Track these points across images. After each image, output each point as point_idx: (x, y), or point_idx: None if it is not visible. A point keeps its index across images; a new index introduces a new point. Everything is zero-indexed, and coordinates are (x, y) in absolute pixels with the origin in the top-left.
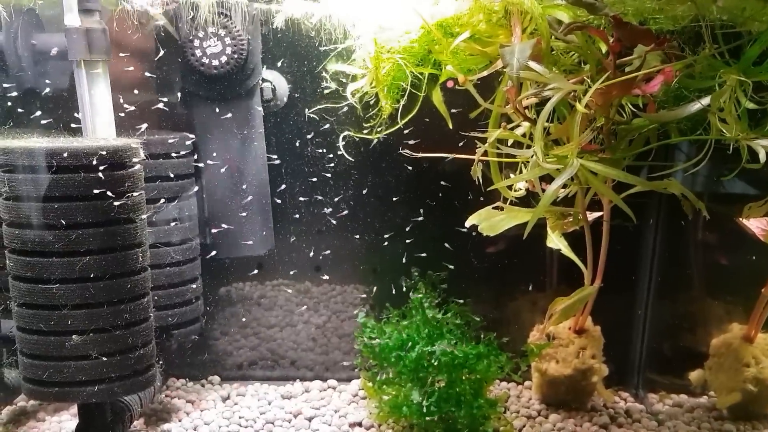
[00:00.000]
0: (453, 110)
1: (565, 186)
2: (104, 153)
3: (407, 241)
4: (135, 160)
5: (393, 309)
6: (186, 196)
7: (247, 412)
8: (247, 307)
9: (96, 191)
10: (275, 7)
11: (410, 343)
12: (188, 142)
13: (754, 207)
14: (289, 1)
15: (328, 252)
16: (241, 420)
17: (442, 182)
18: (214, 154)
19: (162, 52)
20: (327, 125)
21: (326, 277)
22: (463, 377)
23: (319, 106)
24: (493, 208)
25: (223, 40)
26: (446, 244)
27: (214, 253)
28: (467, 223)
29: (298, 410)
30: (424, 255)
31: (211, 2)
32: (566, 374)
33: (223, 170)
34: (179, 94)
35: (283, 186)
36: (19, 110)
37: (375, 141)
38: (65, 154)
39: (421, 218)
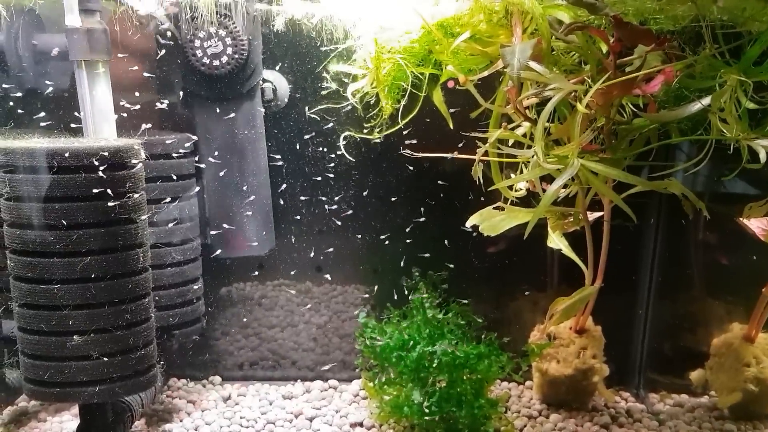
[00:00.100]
0: (452, 110)
1: (565, 186)
2: (105, 153)
3: (408, 241)
4: (136, 160)
5: (394, 309)
6: (187, 196)
7: (248, 413)
8: (248, 307)
9: (97, 191)
10: (276, 8)
11: (411, 343)
12: (188, 144)
13: (755, 207)
14: (289, 1)
15: (329, 252)
16: (242, 420)
17: (443, 182)
18: (215, 155)
19: (162, 53)
20: (328, 125)
21: (329, 276)
22: (464, 377)
23: (319, 107)
24: (494, 208)
25: (223, 41)
26: (447, 244)
27: (214, 253)
28: (468, 223)
29: (299, 410)
30: (424, 255)
31: (210, 3)
32: (567, 374)
33: (223, 170)
34: (180, 95)
35: (284, 186)
36: (20, 111)
37: (376, 141)
38: (66, 155)
39: (421, 218)
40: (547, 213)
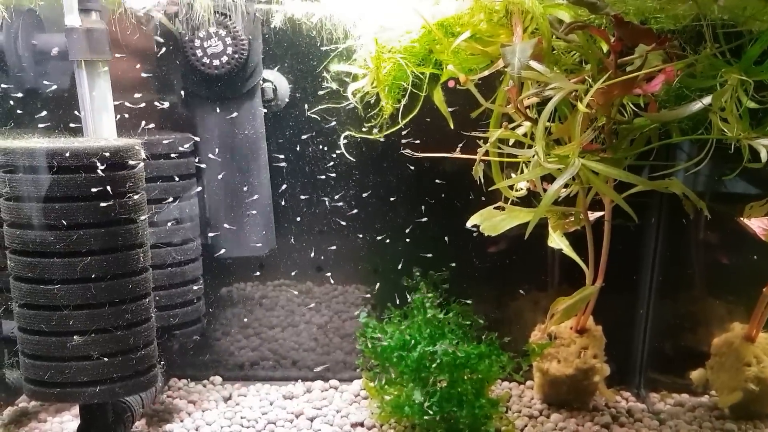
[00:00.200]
0: (451, 109)
1: (566, 186)
2: (105, 153)
3: (408, 241)
4: (136, 160)
5: (394, 309)
6: (187, 196)
7: (248, 413)
8: (249, 307)
9: (97, 191)
10: (276, 7)
11: (412, 343)
12: (188, 144)
13: (756, 206)
14: (289, 1)
15: (329, 252)
16: (243, 420)
17: (444, 182)
18: (215, 154)
19: (162, 52)
20: (328, 125)
21: (329, 274)
22: (465, 377)
23: (320, 107)
24: (495, 207)
25: (223, 40)
26: (447, 244)
27: (215, 253)
28: (469, 223)
29: (300, 410)
30: (425, 255)
31: (209, 3)
32: (568, 374)
33: (223, 171)
34: (180, 94)
35: (284, 186)
36: (20, 111)
37: (377, 141)
38: (66, 155)
39: (422, 218)
40: (548, 213)
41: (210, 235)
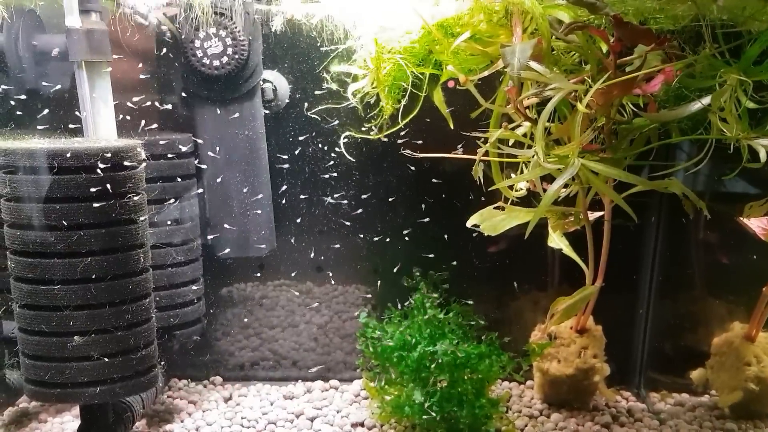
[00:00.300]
0: (450, 108)
1: (566, 186)
2: (105, 154)
3: (409, 241)
4: (136, 161)
5: (394, 309)
6: (187, 196)
7: (249, 413)
8: (249, 307)
9: (97, 192)
10: (276, 8)
11: (413, 343)
12: (188, 144)
13: (755, 206)
14: (289, 2)
15: (329, 252)
16: (243, 420)
17: (444, 182)
18: (215, 155)
19: (162, 53)
20: (328, 125)
21: (331, 275)
22: (465, 377)
23: (320, 107)
24: (495, 208)
25: (223, 41)
26: (447, 244)
27: (215, 253)
28: (469, 223)
29: (300, 410)
30: (425, 255)
31: (207, 3)
32: (568, 374)
33: (224, 171)
34: (180, 95)
35: (285, 186)
36: (21, 112)
37: (377, 141)
38: (66, 155)
39: (422, 218)
40: (548, 213)
41: (210, 235)
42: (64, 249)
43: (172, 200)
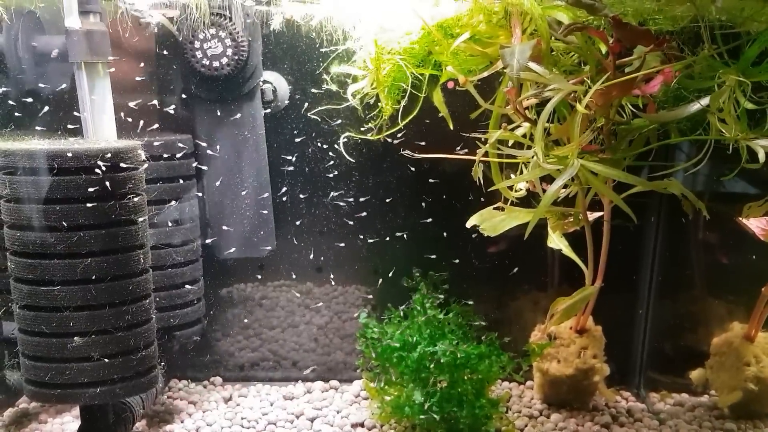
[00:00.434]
0: (449, 108)
1: (565, 186)
2: (105, 155)
3: (408, 241)
4: (136, 162)
5: (394, 309)
6: (187, 197)
7: (249, 413)
8: (249, 308)
9: (97, 193)
10: (276, 9)
11: (413, 343)
12: (188, 145)
13: (754, 207)
14: (289, 2)
15: (329, 253)
16: (243, 421)
17: (443, 183)
18: (215, 156)
19: (162, 53)
20: (328, 126)
21: (332, 276)
22: (465, 377)
23: (320, 108)
24: (494, 208)
25: (223, 42)
26: (447, 245)
27: (215, 254)
28: (468, 224)
29: (300, 411)
30: (425, 255)
31: (206, 4)
32: (568, 374)
33: (224, 172)
34: (180, 96)
35: (284, 187)
36: (21, 112)
37: (377, 142)
38: (66, 156)
39: (422, 219)
40: (548, 213)
41: (210, 236)
42: (64, 250)
43: (172, 201)
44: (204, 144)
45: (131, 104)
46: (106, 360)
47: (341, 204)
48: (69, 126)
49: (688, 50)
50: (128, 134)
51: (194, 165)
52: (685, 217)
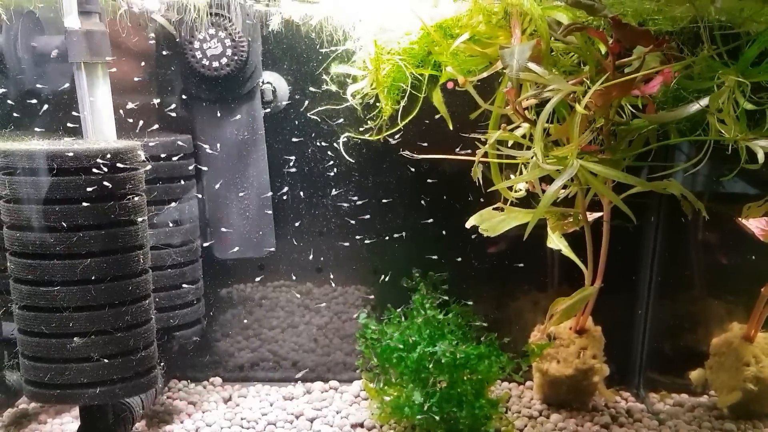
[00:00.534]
0: (448, 108)
1: (565, 187)
2: (105, 155)
3: (408, 242)
4: (136, 162)
5: (394, 310)
6: (186, 198)
7: (248, 414)
8: (249, 308)
9: (97, 193)
10: (275, 9)
11: (412, 343)
12: (187, 145)
13: (753, 207)
14: (289, 2)
15: (329, 253)
16: (243, 421)
17: (443, 183)
18: (215, 156)
19: (162, 54)
20: (327, 126)
21: (332, 276)
22: (465, 378)
23: (319, 108)
24: (494, 209)
25: (223, 42)
26: (447, 245)
27: (214, 254)
28: (468, 224)
29: (300, 411)
30: (425, 256)
31: (204, 4)
32: (567, 374)
33: (223, 172)
34: (180, 96)
35: (284, 187)
36: (20, 113)
37: (377, 142)
38: (66, 157)
39: (421, 219)
40: (547, 214)
41: (209, 236)
42: (64, 250)
43: (172, 201)
44: (203, 144)
45: (131, 104)
46: (106, 360)
47: (341, 204)
48: (69, 126)
49: (688, 51)
50: (128, 135)
51: (194, 165)
52: (684, 218)
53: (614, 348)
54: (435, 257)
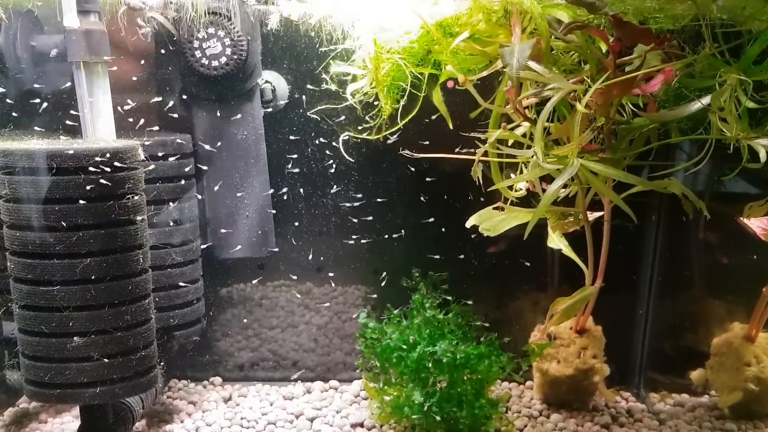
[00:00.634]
0: (448, 107)
1: (565, 186)
2: (104, 154)
3: (408, 241)
4: (135, 161)
5: (394, 310)
6: (186, 197)
7: (248, 413)
8: (249, 308)
9: (96, 193)
10: (275, 8)
11: (412, 343)
12: (187, 145)
13: (755, 206)
14: (287, 1)
15: (329, 253)
16: (243, 421)
17: (443, 182)
18: (214, 156)
19: (161, 53)
20: (327, 126)
21: (331, 275)
22: (465, 377)
23: (319, 107)
24: (494, 208)
25: (222, 41)
26: (447, 245)
27: (214, 254)
28: (468, 224)
29: (300, 411)
30: (425, 255)
31: (203, 4)
32: (568, 374)
33: (223, 172)
34: (179, 95)
35: (284, 187)
36: (19, 112)
37: (376, 141)
38: (65, 156)
39: (422, 219)
40: (547, 213)
41: (209, 236)
42: (64, 250)
43: (171, 201)
44: (203, 143)
45: (130, 104)
46: (106, 360)
47: (341, 203)
48: (68, 125)
49: (689, 49)
50: (127, 134)
51: (193, 165)
52: (685, 217)
53: (615, 348)
54: (435, 257)
